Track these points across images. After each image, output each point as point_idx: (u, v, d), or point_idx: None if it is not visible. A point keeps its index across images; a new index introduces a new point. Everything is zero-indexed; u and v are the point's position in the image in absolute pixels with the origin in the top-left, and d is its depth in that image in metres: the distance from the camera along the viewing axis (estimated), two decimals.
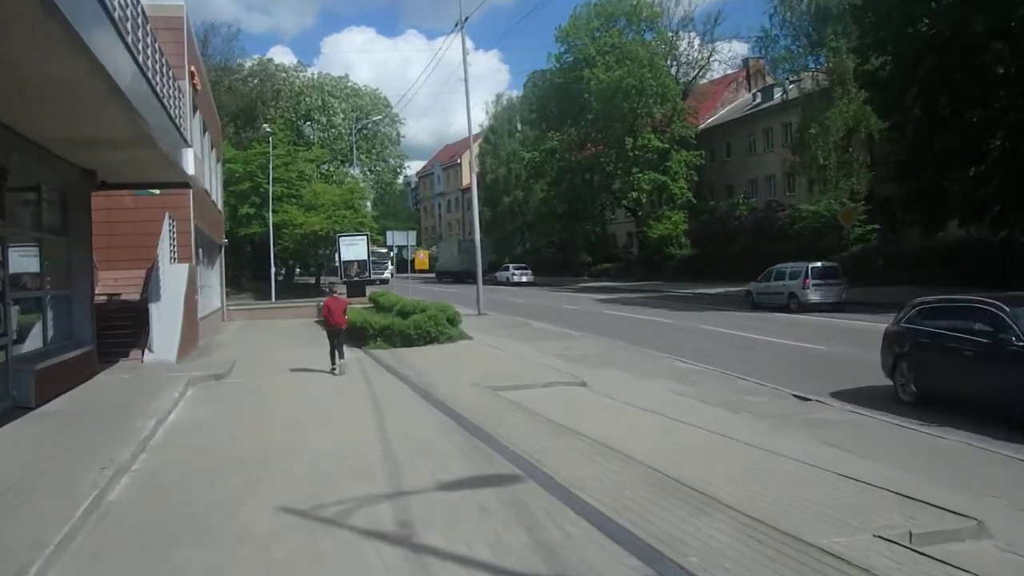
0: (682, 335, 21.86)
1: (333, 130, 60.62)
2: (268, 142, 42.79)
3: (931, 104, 28.06)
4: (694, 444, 9.40)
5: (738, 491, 7.37)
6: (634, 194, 53.83)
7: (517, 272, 60.30)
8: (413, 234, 39.88)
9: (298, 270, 63.81)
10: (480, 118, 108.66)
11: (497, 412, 11.25)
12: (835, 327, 22.55)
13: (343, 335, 16.44)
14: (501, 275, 59.10)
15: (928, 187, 27.33)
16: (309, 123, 61.44)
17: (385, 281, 48.48)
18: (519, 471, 8.19)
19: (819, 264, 28.77)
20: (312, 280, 59.18)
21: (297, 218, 42.31)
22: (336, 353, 16.00)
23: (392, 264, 60.29)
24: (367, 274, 38.57)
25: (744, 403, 12.17)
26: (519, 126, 79.90)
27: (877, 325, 22.22)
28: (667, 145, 53.53)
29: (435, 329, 20.07)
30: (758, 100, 56.16)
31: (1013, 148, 24.02)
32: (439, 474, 8.15)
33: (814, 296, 27.68)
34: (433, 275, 71.82)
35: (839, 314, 25.71)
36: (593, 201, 62.76)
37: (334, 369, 15.88)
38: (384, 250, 56.39)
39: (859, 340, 19.33)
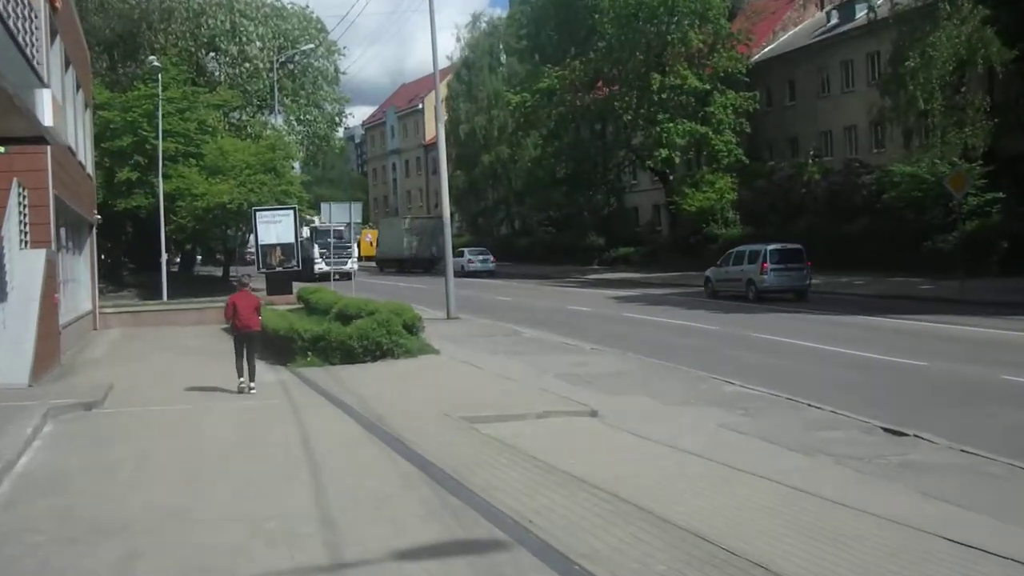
0: (731, 346, 21.91)
1: (247, 65, 60.22)
2: (157, 81, 42.54)
3: None
4: (753, 500, 9.37)
5: (815, 567, 7.35)
6: (663, 151, 53.85)
7: (475, 258, 62.33)
8: (358, 207, 39.65)
9: (199, 258, 63.58)
10: (449, 48, 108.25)
11: (475, 454, 11.22)
12: (945, 336, 22.69)
13: (256, 341, 17.07)
14: (455, 263, 59.77)
15: None
16: (214, 55, 61.08)
17: (347, 275, 46.41)
18: (505, 536, 8.14)
19: (778, 246, 34.25)
20: (219, 272, 58.99)
21: (198, 186, 42.11)
22: (246, 366, 16.62)
23: (358, 248, 59.41)
24: (292, 264, 38.31)
25: (819, 441, 12.17)
26: (503, 58, 79.63)
27: (994, 331, 22.52)
28: (708, 84, 53.58)
29: (388, 339, 20.03)
30: (834, 21, 56.27)
31: None
32: (395, 540, 8.08)
33: (772, 282, 33.30)
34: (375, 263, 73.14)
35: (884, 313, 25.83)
36: (606, 162, 62.79)
37: (242, 384, 16.60)
38: (344, 225, 54.16)
39: (972, 352, 19.43)
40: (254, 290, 18.34)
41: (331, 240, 49.88)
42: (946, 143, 40.33)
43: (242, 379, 16.68)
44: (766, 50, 59.90)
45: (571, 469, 10.40)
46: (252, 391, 16.51)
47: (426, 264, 66.62)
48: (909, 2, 42.00)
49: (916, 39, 40.14)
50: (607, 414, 13.95)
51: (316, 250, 57.34)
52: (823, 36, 55.70)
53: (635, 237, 64.12)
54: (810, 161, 51.13)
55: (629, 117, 55.42)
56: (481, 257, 62.86)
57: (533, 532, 8.14)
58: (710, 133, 53.13)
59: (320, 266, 54.13)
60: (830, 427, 13.00)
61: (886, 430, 12.53)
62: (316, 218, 54.73)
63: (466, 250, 63.90)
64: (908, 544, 7.89)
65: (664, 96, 53.03)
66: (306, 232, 56.24)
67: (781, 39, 61.16)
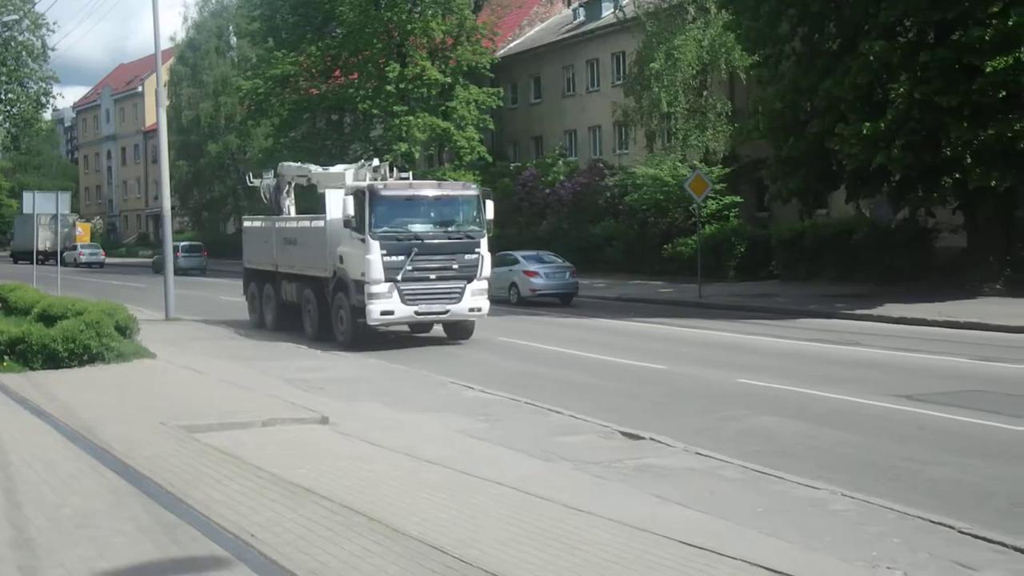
0: (472, 349, 22.38)
1: None
2: None
3: (815, 33, 30.06)
4: (491, 508, 9.51)
5: (552, 575, 7.53)
6: (401, 146, 54.02)
7: (87, 250, 68.18)
8: (67, 197, 37.93)
9: None
10: (173, 27, 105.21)
11: (194, 465, 10.98)
12: (684, 340, 23.80)
13: None
14: (69, 255, 67.35)
15: (810, 147, 29.28)
16: None
17: (457, 328, 23.96)
18: (224, 552, 8.00)
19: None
20: None
21: None
22: None
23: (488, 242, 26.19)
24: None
25: (559, 446, 12.49)
26: (234, 40, 78.15)
27: (731, 335, 23.81)
28: (450, 78, 54.11)
29: (97, 342, 19.23)
30: (580, 19, 58.00)
31: (924, 98, 26.08)
32: (100, 561, 7.80)
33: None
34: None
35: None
36: (343, 154, 62.45)
37: None
38: (473, 192, 24.14)
39: (710, 355, 20.47)
40: None
41: (424, 239, 22.61)
42: (688, 146, 42.40)
43: None
44: (512, 45, 61.08)
45: (299, 480, 10.28)
46: None
47: (54, 256, 73.84)
48: (656, 3, 43.89)
49: (662, 40, 42.03)
50: (339, 421, 13.86)
51: (373, 253, 22.12)
52: (569, 34, 57.29)
53: None
54: (555, 160, 52.52)
55: (365, 108, 55.29)
56: (92, 251, 70.24)
57: (256, 548, 8.03)
58: (452, 129, 53.61)
59: (383, 301, 22.13)
60: (570, 432, 13.37)
61: (624, 434, 13.01)
62: (373, 169, 24.08)
63: (79, 244, 69.55)
64: (645, 549, 8.18)
65: (403, 87, 53.19)
66: (333, 207, 24.03)
67: (528, 34, 62.55)
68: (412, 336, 24.83)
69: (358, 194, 22.26)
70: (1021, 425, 13.02)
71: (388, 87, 52.87)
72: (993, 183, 25.89)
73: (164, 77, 41.93)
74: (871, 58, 26.80)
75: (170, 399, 15.48)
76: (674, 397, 16.01)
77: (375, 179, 23.23)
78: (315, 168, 28.30)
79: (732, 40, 37.96)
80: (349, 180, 24.41)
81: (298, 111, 59.65)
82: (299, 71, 57.16)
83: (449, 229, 22.98)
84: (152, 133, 74.55)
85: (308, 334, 24.39)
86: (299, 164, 30.37)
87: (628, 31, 46.43)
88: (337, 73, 57.78)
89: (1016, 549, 8.24)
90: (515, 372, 18.94)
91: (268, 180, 29.69)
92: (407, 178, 24.79)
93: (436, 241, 22.59)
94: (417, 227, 22.62)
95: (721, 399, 15.65)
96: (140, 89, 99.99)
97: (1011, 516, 9.37)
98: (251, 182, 30.22)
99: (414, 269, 22.06)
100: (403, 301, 22.06)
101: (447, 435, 13.23)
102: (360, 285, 22.02)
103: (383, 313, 22.02)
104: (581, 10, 58.50)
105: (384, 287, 21.88)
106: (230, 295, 40.30)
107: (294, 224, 26.58)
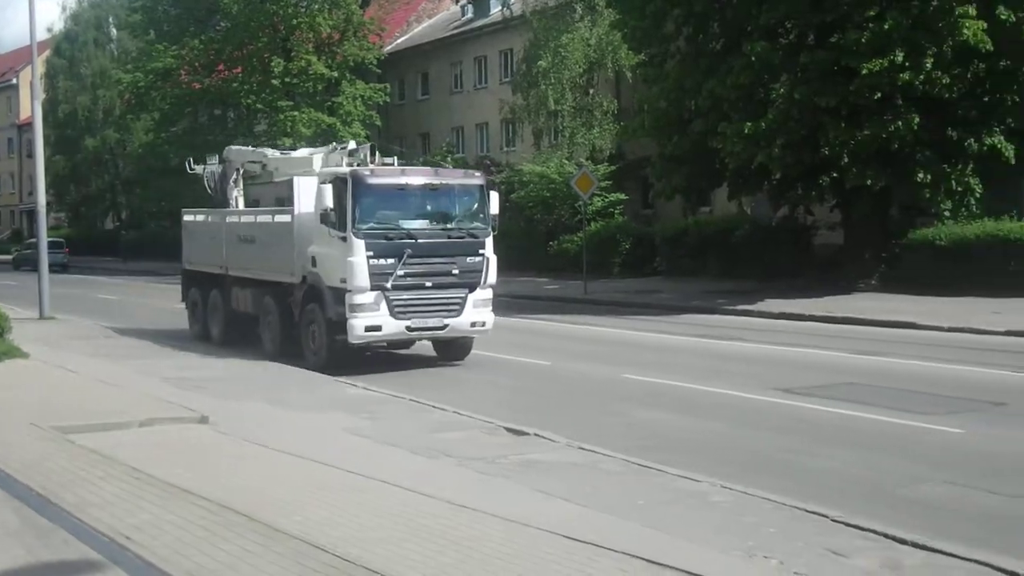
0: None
1: None
2: None
3: (700, 33, 30.59)
4: (374, 506, 9.45)
5: (436, 571, 7.52)
6: (286, 141, 53.41)
7: None
8: None
9: None
10: (51, 17, 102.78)
11: (68, 467, 10.69)
12: (569, 336, 23.99)
13: None
14: None
15: (694, 145, 29.77)
16: None
17: (454, 345, 20.03)
18: (99, 556, 7.80)
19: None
20: None
21: None
22: None
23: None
24: None
25: (442, 442, 12.47)
26: (114, 32, 76.75)
27: (615, 331, 24.09)
28: (336, 73, 53.74)
29: None
30: (468, 15, 58.01)
31: (804, 98, 26.65)
32: None
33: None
34: None
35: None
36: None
37: None
38: (477, 181, 19.86)
39: (596, 351, 20.68)
40: None
41: (418, 237, 18.55)
42: (574, 144, 42.76)
43: None
44: (399, 41, 60.86)
45: (178, 481, 10.06)
46: None
47: None
48: (544, 1, 44.14)
49: (549, 39, 42.33)
50: (220, 420, 13.61)
51: (358, 255, 17.88)
52: (457, 30, 57.28)
53: None
54: (447, 159, 52.45)
55: (249, 102, 54.68)
56: None
57: (131, 550, 7.86)
58: (338, 124, 53.14)
59: (369, 314, 17.98)
60: (453, 428, 13.37)
61: (508, 430, 13.03)
62: (348, 153, 20.57)
63: None
64: (528, 543, 8.21)
65: (288, 82, 52.73)
66: (303, 197, 19.45)
67: (415, 30, 62.37)
68: (398, 356, 20.95)
69: (338, 182, 18.11)
70: (893, 416, 13.40)
71: (273, 81, 52.50)
72: (869, 182, 26.76)
73: (40, 69, 40.77)
74: (753, 59, 27.38)
75: (43, 399, 15.05)
76: (560, 392, 16.13)
77: (352, 164, 19.45)
78: (272, 152, 24.84)
79: (619, 39, 38.35)
80: (318, 166, 20.75)
81: (180, 105, 58.81)
82: (181, 64, 56.39)
83: (448, 226, 19.06)
84: (27, 127, 72.51)
85: (267, 351, 20.46)
86: (251, 148, 27.17)
87: (516, 29, 46.59)
88: (220, 67, 57.08)
89: (885, 536, 8.46)
90: (397, 369, 18.86)
91: (212, 166, 25.08)
92: (392, 163, 20.39)
93: (433, 240, 18.61)
94: (410, 223, 18.58)
95: (607, 394, 15.82)
96: (14, 81, 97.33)
97: (881, 504, 9.64)
98: (192, 169, 26.18)
99: (406, 275, 18.07)
100: (392, 314, 18.02)
101: (329, 433, 13.12)
102: (339, 294, 17.99)
103: (368, 329, 17.97)
104: (469, 7, 58.50)
105: (370, 296, 17.80)
106: (110, 293, 39.65)
107: (251, 218, 22.25)
